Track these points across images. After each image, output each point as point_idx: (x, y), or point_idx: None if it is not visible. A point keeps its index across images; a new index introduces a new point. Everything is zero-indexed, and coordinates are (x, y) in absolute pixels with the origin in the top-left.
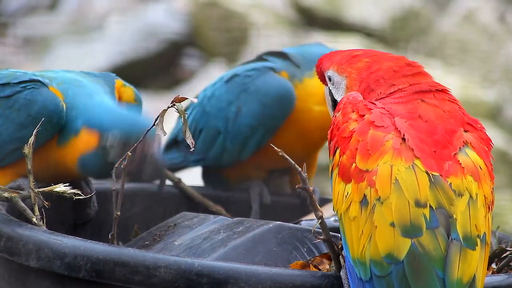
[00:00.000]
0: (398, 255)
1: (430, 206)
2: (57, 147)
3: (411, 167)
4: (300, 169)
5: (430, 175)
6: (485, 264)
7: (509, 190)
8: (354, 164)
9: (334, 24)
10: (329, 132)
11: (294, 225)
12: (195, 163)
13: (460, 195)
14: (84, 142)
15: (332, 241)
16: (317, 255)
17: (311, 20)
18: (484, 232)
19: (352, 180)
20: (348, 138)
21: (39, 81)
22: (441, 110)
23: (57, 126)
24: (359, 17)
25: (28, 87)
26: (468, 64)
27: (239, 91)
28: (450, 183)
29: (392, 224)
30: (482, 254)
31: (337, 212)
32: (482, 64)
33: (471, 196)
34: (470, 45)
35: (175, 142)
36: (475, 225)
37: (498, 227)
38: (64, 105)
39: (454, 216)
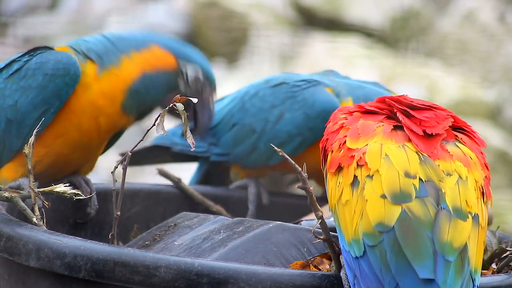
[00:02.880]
0: (389, 222)
1: (420, 178)
2: (99, 75)
3: (401, 146)
4: (300, 169)
5: (420, 154)
6: (480, 245)
7: (509, 190)
8: (342, 150)
9: (334, 24)
10: (320, 142)
11: (294, 225)
12: (217, 156)
13: (449, 174)
14: (155, 59)
15: (332, 241)
16: (317, 255)
17: (311, 20)
18: (477, 213)
19: (343, 166)
20: (336, 131)
21: (43, 47)
22: (432, 112)
23: (76, 76)
24: (359, 17)
25: (35, 54)
26: (468, 64)
27: (286, 97)
28: (438, 165)
29: (383, 196)
30: (475, 230)
31: (331, 206)
32: (482, 64)
33: (460, 177)
34: (470, 45)
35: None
36: (466, 200)
37: (498, 227)
38: (77, 59)
39: (443, 191)
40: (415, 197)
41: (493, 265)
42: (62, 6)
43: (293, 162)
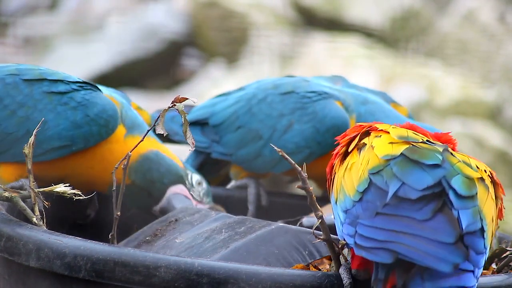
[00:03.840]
0: (396, 152)
1: (428, 140)
2: (124, 138)
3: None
4: (300, 169)
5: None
6: (488, 211)
7: (509, 190)
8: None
9: (334, 24)
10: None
11: (295, 227)
12: (220, 154)
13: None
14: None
15: (332, 240)
16: (319, 258)
17: (311, 20)
18: (487, 184)
19: (349, 149)
20: (344, 142)
21: (94, 84)
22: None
23: (111, 131)
24: (359, 17)
25: (85, 87)
26: (468, 64)
27: (295, 108)
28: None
29: (391, 143)
30: (485, 191)
31: (334, 192)
32: (482, 64)
33: (461, 160)
34: (470, 45)
35: (202, 124)
36: (476, 165)
37: (498, 227)
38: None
39: (450, 152)
40: (422, 141)
41: (493, 265)
42: (62, 6)
43: (293, 162)
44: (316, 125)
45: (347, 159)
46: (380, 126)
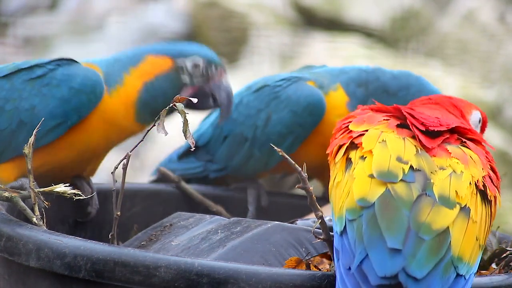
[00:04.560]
0: (371, 199)
1: (411, 166)
2: (110, 96)
3: (402, 138)
4: (300, 169)
5: (419, 148)
6: (470, 237)
7: (509, 190)
8: (344, 132)
9: (334, 24)
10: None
11: (292, 225)
12: (216, 172)
13: (442, 169)
14: (151, 67)
15: (332, 241)
16: (316, 255)
17: (311, 20)
18: (468, 206)
19: (340, 147)
20: (343, 127)
21: (69, 59)
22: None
23: (100, 96)
24: (359, 17)
25: (62, 64)
26: (468, 64)
27: (270, 99)
28: (433, 160)
29: (371, 176)
30: (463, 221)
31: (329, 192)
32: (482, 64)
33: (454, 171)
34: (470, 45)
35: (193, 150)
36: (456, 191)
37: (498, 227)
38: (102, 75)
39: (432, 181)
40: (401, 180)
41: (493, 265)
42: (62, 6)
43: (293, 162)
44: (293, 109)
45: (336, 168)
46: (367, 144)
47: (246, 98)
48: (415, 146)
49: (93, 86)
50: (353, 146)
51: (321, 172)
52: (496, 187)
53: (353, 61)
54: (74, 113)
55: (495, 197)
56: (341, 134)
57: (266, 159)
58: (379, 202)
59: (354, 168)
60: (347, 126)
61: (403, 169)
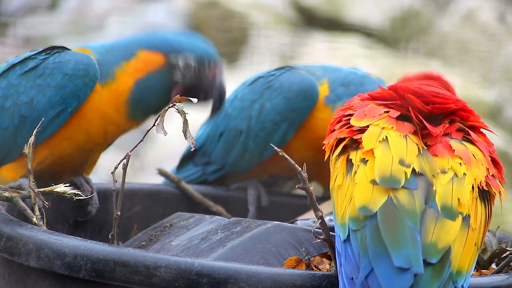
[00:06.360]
0: (373, 207)
1: (413, 169)
2: (102, 87)
3: (403, 136)
4: (300, 169)
5: (420, 148)
6: (469, 246)
7: (509, 190)
8: (344, 127)
9: (334, 24)
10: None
11: (292, 225)
12: (214, 174)
13: (444, 172)
14: (143, 64)
15: (332, 241)
16: (315, 254)
17: (311, 20)
18: (469, 214)
19: (339, 143)
20: (342, 119)
21: (60, 46)
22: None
23: (95, 78)
24: (359, 17)
25: (52, 53)
26: (468, 64)
27: (263, 89)
28: (435, 161)
29: (373, 181)
30: (463, 231)
31: (330, 189)
32: (482, 64)
33: (456, 175)
34: (470, 45)
35: (190, 156)
36: (458, 199)
37: (498, 227)
38: (95, 58)
39: (434, 188)
40: (404, 187)
41: (493, 265)
42: (62, 6)
43: (293, 162)
44: (286, 95)
45: (337, 168)
46: (367, 142)
47: (241, 92)
48: (417, 144)
49: (86, 69)
50: (354, 143)
51: (316, 171)
52: (500, 181)
53: (353, 61)
54: (72, 98)
55: (499, 192)
56: (340, 127)
57: (261, 150)
58: (381, 212)
59: (356, 172)
60: (348, 120)
61: (406, 173)
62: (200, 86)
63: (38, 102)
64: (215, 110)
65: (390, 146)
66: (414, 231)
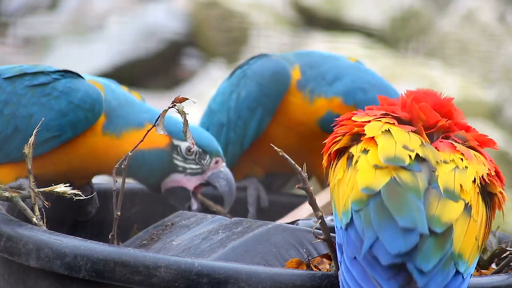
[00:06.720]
0: (376, 186)
1: (417, 154)
2: (103, 134)
3: (406, 131)
4: (300, 168)
5: (423, 141)
6: (471, 236)
7: (510, 190)
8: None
9: (334, 24)
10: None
11: (292, 225)
12: None
13: (446, 162)
14: (148, 139)
15: (332, 241)
16: (316, 255)
17: (311, 20)
18: (470, 204)
19: (339, 140)
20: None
21: (73, 72)
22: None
23: (98, 115)
24: (359, 17)
25: (66, 76)
26: (468, 64)
27: (239, 79)
28: (438, 153)
29: (375, 166)
30: (465, 218)
31: (330, 189)
32: (482, 64)
33: (457, 166)
34: (470, 45)
35: None
36: (460, 185)
37: (498, 227)
38: (103, 94)
39: (437, 173)
40: (407, 168)
41: (493, 265)
42: (62, 6)
43: (293, 162)
44: (258, 80)
45: (337, 168)
46: (370, 131)
47: (222, 88)
48: (419, 138)
49: (92, 103)
50: (355, 138)
51: (295, 155)
52: (502, 182)
53: None
54: (69, 128)
55: (501, 192)
56: (342, 126)
57: (241, 140)
58: (385, 189)
59: (357, 161)
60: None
61: (410, 156)
62: (204, 180)
63: (36, 121)
64: (228, 202)
65: (393, 135)
66: (418, 202)
